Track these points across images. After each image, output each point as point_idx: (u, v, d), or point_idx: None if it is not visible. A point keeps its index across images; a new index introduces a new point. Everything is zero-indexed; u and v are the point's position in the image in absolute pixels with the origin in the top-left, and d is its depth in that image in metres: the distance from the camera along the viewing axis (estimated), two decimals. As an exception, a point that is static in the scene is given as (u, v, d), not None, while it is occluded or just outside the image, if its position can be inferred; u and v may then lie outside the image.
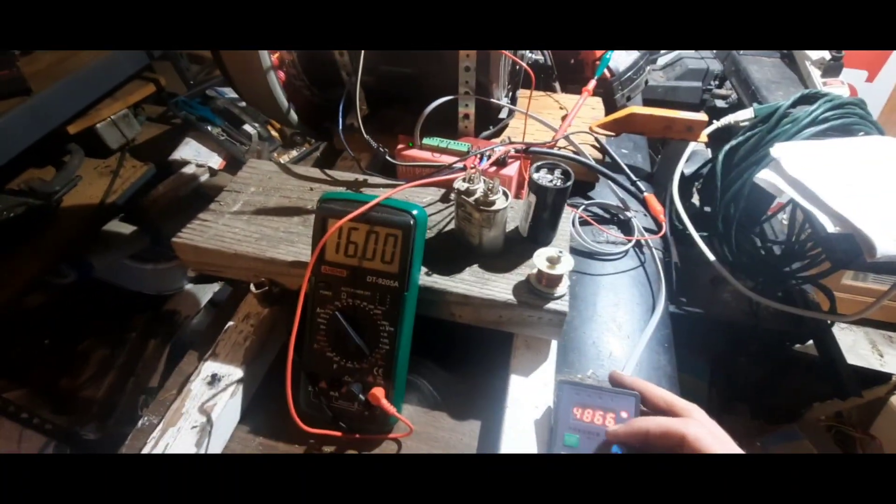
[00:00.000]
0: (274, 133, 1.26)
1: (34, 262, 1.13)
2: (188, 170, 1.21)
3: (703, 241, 0.67)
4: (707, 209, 0.76)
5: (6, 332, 1.31)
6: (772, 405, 1.05)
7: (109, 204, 1.28)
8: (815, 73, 0.84)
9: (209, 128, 1.22)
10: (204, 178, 1.21)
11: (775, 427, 1.00)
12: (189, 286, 1.53)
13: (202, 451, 0.40)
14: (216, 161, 1.22)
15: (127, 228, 1.48)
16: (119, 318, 1.43)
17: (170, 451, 0.39)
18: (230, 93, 1.28)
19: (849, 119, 0.63)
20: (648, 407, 0.40)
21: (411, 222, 0.40)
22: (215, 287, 1.55)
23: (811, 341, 0.91)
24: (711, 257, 0.68)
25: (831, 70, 0.83)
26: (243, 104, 1.27)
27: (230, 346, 0.46)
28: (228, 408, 0.43)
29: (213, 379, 0.44)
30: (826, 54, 0.85)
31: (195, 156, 1.21)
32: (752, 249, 0.79)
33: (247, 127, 1.25)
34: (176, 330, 1.39)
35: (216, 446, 0.42)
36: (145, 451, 0.40)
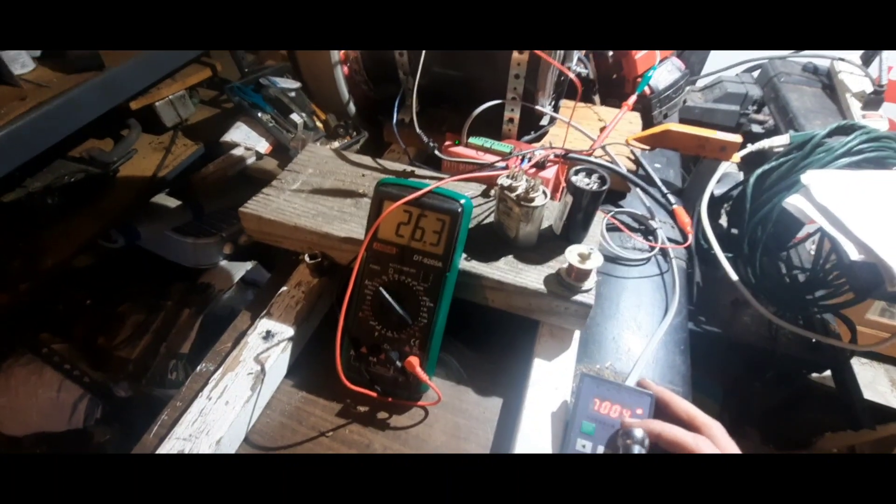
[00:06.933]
0: (319, 124, 1.33)
1: (90, 226, 1.22)
2: (237, 151, 1.28)
3: (728, 262, 0.69)
4: (734, 231, 0.77)
5: (55, 289, 1.41)
6: (783, 432, 1.05)
7: (160, 178, 1.36)
8: (856, 105, 0.85)
9: (259, 114, 1.29)
10: (251, 160, 1.29)
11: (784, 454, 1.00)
12: (224, 263, 1.61)
13: (255, 396, 0.45)
14: (264, 146, 1.29)
15: (172, 202, 1.57)
16: (157, 286, 1.52)
17: (227, 393, 0.44)
18: (282, 83, 1.35)
19: (884, 153, 0.64)
20: (670, 415, 0.41)
21: (459, 210, 0.44)
22: (248, 265, 1.62)
23: (828, 372, 0.92)
24: (734, 277, 0.70)
25: (872, 103, 0.84)
26: (293, 94, 1.33)
27: (283, 308, 0.51)
28: (279, 361, 0.48)
29: (268, 334, 0.49)
30: (868, 87, 0.86)
31: (245, 139, 1.29)
32: (776, 274, 0.80)
33: (294, 116, 1.31)
34: (209, 302, 1.47)
35: (266, 395, 0.47)
36: (204, 392, 0.44)
